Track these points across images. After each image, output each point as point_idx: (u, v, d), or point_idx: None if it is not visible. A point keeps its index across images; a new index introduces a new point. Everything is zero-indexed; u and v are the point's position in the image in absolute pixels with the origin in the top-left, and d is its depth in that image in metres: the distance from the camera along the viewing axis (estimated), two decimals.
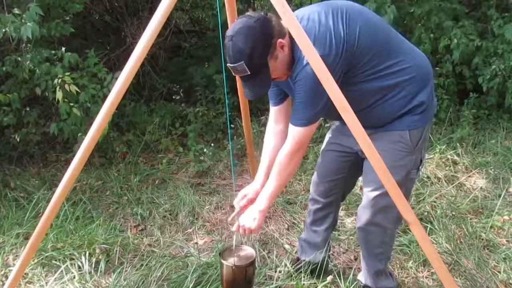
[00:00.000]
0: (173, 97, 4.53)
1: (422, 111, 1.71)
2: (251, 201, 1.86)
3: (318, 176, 2.06)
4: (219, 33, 1.75)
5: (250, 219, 1.76)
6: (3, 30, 2.79)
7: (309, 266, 2.16)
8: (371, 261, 1.98)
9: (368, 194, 1.81)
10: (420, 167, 1.83)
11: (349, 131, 1.50)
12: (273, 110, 1.96)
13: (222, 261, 1.82)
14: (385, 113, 1.72)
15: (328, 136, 2.06)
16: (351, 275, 2.18)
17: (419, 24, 4.14)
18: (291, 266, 2.23)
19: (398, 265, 2.32)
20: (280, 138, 1.87)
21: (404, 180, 1.74)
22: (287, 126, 1.73)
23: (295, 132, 1.67)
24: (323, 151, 2.05)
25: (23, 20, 2.83)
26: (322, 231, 2.12)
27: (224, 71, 1.98)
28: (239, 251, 1.95)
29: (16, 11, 2.94)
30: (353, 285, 2.11)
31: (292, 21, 1.40)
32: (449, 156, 3.47)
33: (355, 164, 1.93)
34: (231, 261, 1.82)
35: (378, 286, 2.02)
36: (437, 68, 4.12)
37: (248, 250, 1.95)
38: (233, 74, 1.60)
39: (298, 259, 2.24)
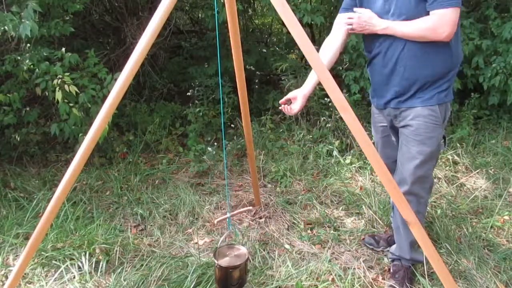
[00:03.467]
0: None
1: (447, 88, 1.92)
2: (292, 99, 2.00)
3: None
4: (217, 33, 1.76)
5: (363, 18, 1.88)
6: (2, 28, 2.78)
7: None
8: (407, 231, 2.08)
9: (405, 165, 1.98)
10: (443, 141, 2.04)
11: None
12: (343, 17, 2.04)
13: (213, 258, 1.91)
14: (436, 64, 1.88)
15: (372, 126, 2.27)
16: (350, 275, 2.18)
17: None
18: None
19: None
20: (341, 44, 2.05)
21: (436, 150, 1.96)
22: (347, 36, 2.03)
23: (445, 14, 1.73)
24: (376, 141, 2.27)
25: (22, 19, 2.82)
26: None
27: (220, 72, 1.99)
28: (234, 251, 1.96)
29: (14, 9, 2.93)
30: (353, 285, 2.12)
31: (292, 21, 1.40)
32: (449, 156, 3.47)
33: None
34: (221, 260, 1.89)
35: (412, 257, 2.16)
36: None
37: (242, 251, 1.97)
38: None
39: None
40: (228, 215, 2.00)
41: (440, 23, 1.74)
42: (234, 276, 1.89)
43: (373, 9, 1.91)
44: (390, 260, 2.28)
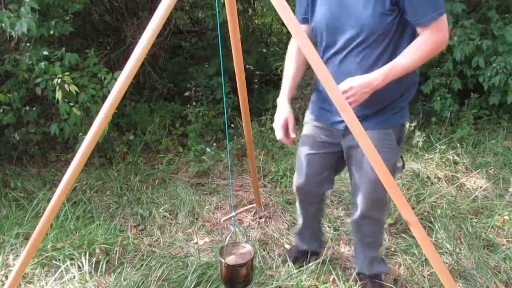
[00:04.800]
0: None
1: (401, 109, 1.79)
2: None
3: (307, 177, 2.01)
4: (219, 33, 1.75)
5: (355, 89, 1.59)
6: (1, 25, 2.78)
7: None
8: (365, 250, 2.07)
9: (361, 188, 1.86)
10: (400, 164, 1.88)
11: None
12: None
13: (219, 257, 1.88)
14: (391, 89, 1.68)
15: (305, 139, 1.99)
16: (350, 275, 2.18)
17: None
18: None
19: (398, 264, 2.32)
20: (302, 61, 1.87)
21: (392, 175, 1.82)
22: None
23: (437, 24, 1.57)
24: (306, 155, 1.98)
25: (19, 16, 2.81)
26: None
27: (222, 71, 1.99)
28: (240, 249, 1.96)
29: (12, 7, 2.92)
30: (353, 286, 2.12)
31: (292, 21, 1.40)
32: (449, 156, 3.47)
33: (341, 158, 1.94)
34: (227, 259, 1.87)
35: (372, 272, 2.09)
36: (438, 68, 4.11)
37: (247, 249, 1.96)
38: None
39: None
40: (233, 213, 2.00)
41: (442, 36, 1.60)
42: (241, 273, 1.88)
43: (318, 17, 1.72)
44: (356, 272, 2.17)
